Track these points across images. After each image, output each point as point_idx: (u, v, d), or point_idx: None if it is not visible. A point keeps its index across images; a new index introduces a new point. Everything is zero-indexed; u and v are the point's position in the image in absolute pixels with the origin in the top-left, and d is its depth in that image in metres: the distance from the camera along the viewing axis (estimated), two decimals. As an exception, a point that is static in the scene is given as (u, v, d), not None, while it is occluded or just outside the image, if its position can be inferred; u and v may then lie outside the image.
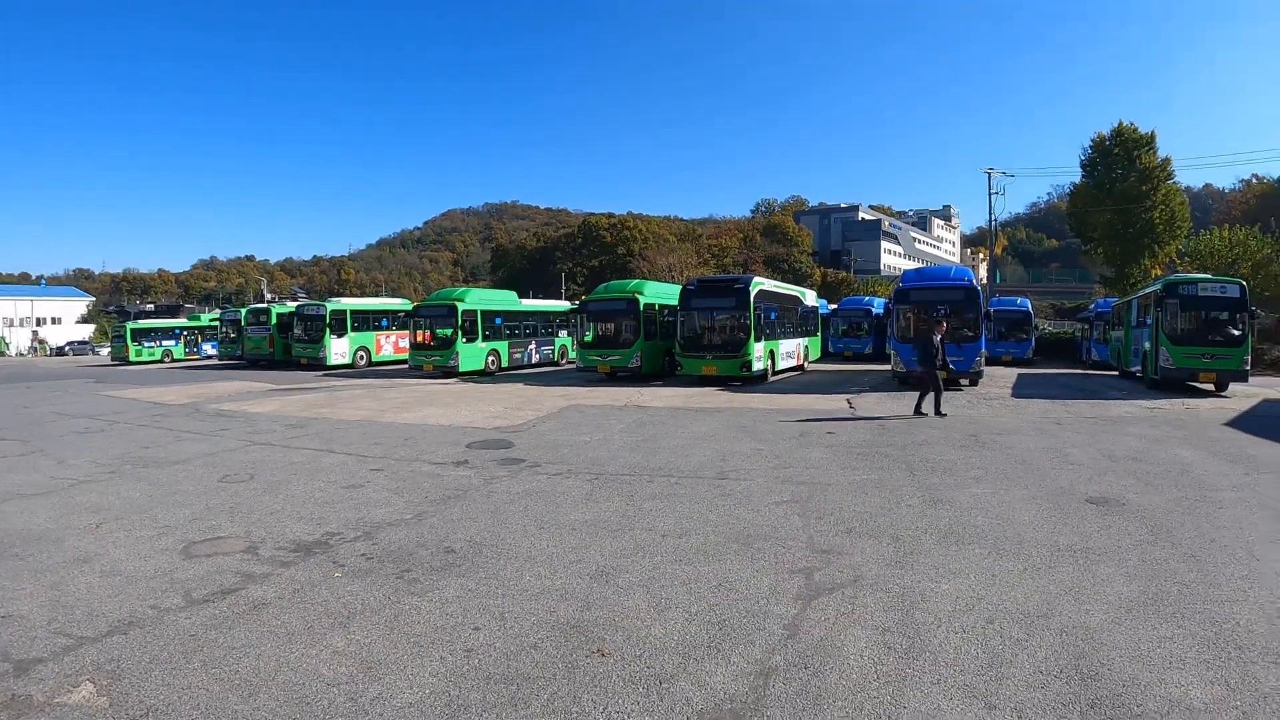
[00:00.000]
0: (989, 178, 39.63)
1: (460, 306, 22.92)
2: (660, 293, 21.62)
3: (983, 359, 16.03)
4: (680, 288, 19.99)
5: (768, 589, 4.58)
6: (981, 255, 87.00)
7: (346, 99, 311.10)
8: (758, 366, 17.92)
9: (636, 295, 20.03)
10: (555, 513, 6.53)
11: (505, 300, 26.86)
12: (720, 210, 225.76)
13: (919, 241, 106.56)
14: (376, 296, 61.58)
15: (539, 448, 9.79)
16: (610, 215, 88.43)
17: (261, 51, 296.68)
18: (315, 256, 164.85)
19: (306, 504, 7.35)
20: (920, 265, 63.31)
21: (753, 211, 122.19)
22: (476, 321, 23.43)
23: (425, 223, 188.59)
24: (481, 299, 24.89)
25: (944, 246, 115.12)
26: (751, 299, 17.51)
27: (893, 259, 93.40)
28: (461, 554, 5.46)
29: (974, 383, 16.32)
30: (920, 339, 12.97)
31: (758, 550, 5.33)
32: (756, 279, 18.79)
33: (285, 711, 3.39)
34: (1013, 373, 22.18)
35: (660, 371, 20.43)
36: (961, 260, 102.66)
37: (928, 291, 16.39)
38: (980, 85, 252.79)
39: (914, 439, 10.09)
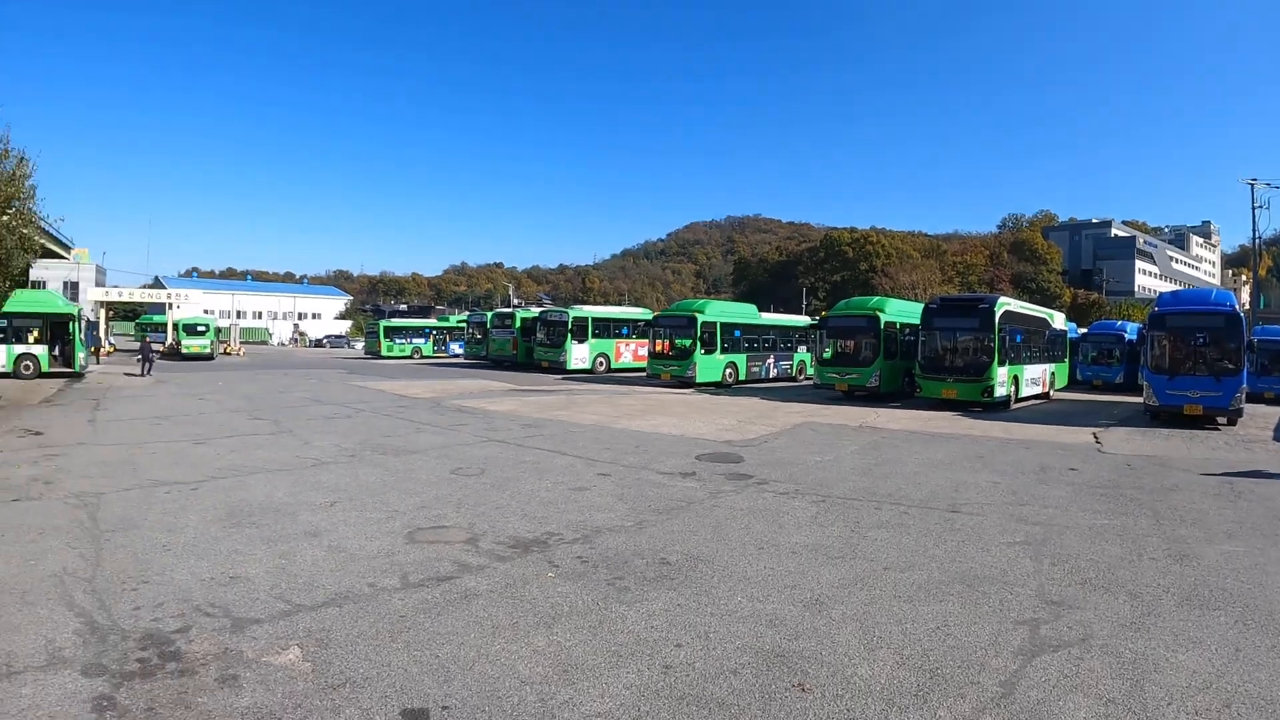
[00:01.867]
0: (1252, 190, 50.07)
1: (700, 318, 30.88)
2: (902, 311, 28.28)
3: (1243, 395, 20.10)
4: (922, 306, 26.22)
5: (988, 639, 5.63)
6: (1244, 277, 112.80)
7: (591, 108, 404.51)
8: (1000, 392, 23.18)
9: (877, 313, 26.62)
10: (777, 533, 8.34)
11: (745, 313, 35.51)
12: (965, 225, 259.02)
13: (1175, 261, 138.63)
14: (619, 305, 77.97)
15: (768, 464, 12.60)
16: (853, 230, 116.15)
17: (512, 53, 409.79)
18: (561, 265, 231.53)
19: (531, 502, 9.88)
20: (1177, 287, 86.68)
21: (999, 227, 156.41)
22: (715, 333, 31.40)
23: (668, 234, 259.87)
24: (721, 311, 33.17)
25: (1203, 267, 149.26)
26: (996, 320, 22.94)
27: (1147, 279, 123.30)
28: (676, 566, 7.11)
29: (1232, 422, 20.61)
30: None
31: (982, 594, 6.61)
32: (1002, 299, 24.61)
33: (475, 702, 4.62)
34: (1275, 412, 25.98)
35: (898, 392, 26.81)
36: (1222, 283, 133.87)
37: (1185, 317, 21.16)
38: (1242, 89, 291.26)
39: (1163, 483, 12.36)
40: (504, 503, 9.94)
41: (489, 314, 49.97)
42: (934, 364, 24.35)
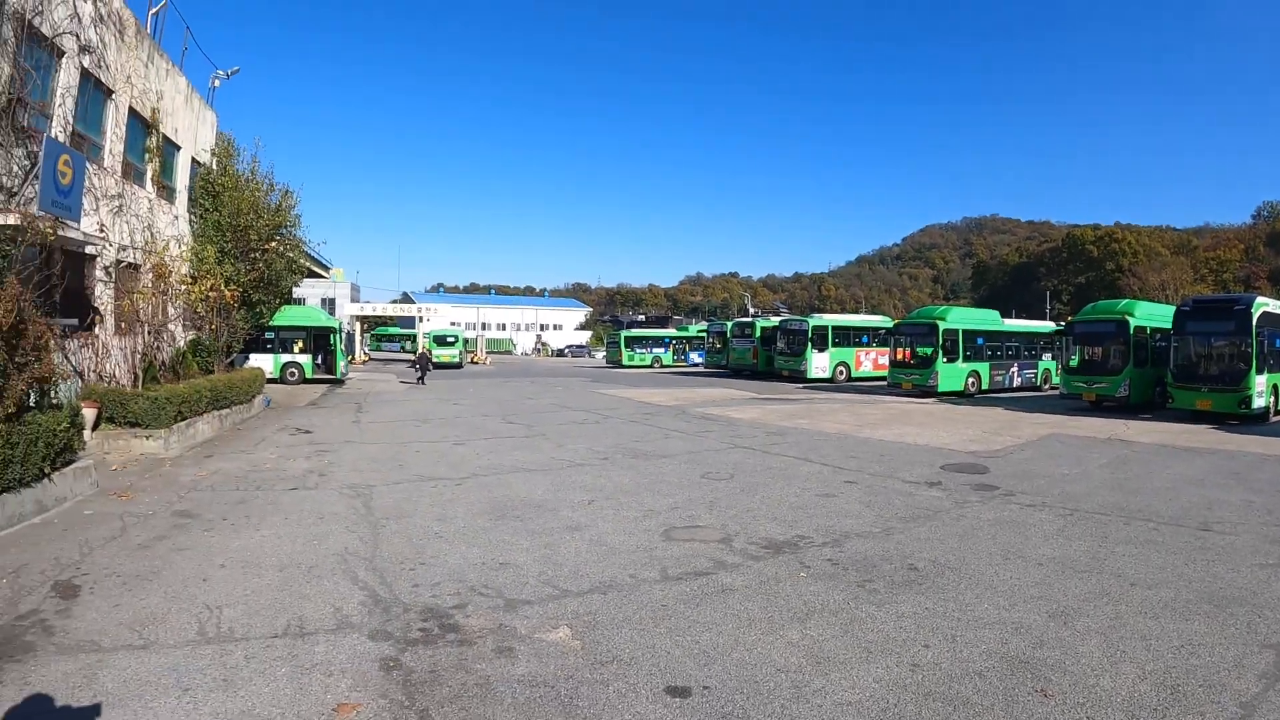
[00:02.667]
0: None
1: (941, 325, 31.08)
2: (1152, 314, 27.30)
3: None
4: (1174, 309, 25.31)
5: (1232, 660, 5.63)
6: None
7: (819, 109, 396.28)
8: (1257, 403, 22.03)
9: (1126, 317, 25.83)
10: (1023, 544, 8.65)
11: (987, 320, 35.40)
12: (1216, 217, 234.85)
13: None
14: (855, 313, 78.00)
15: (1014, 476, 12.95)
16: (1096, 227, 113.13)
17: (742, 60, 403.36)
18: (796, 273, 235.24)
19: (781, 507, 10.46)
20: None
21: (1253, 217, 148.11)
22: (957, 341, 31.54)
23: (904, 239, 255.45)
24: (963, 318, 33.38)
25: None
26: (1253, 323, 21.99)
27: None
28: (924, 573, 7.51)
29: None
30: None
31: (1230, 615, 6.58)
32: (1259, 299, 23.46)
33: (733, 685, 5.07)
34: None
35: (1149, 402, 25.80)
36: None
37: None
38: None
39: None
40: (754, 506, 10.51)
41: (729, 323, 51.59)
42: (1187, 372, 23.43)
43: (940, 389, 30.78)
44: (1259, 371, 21.98)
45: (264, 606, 6.45)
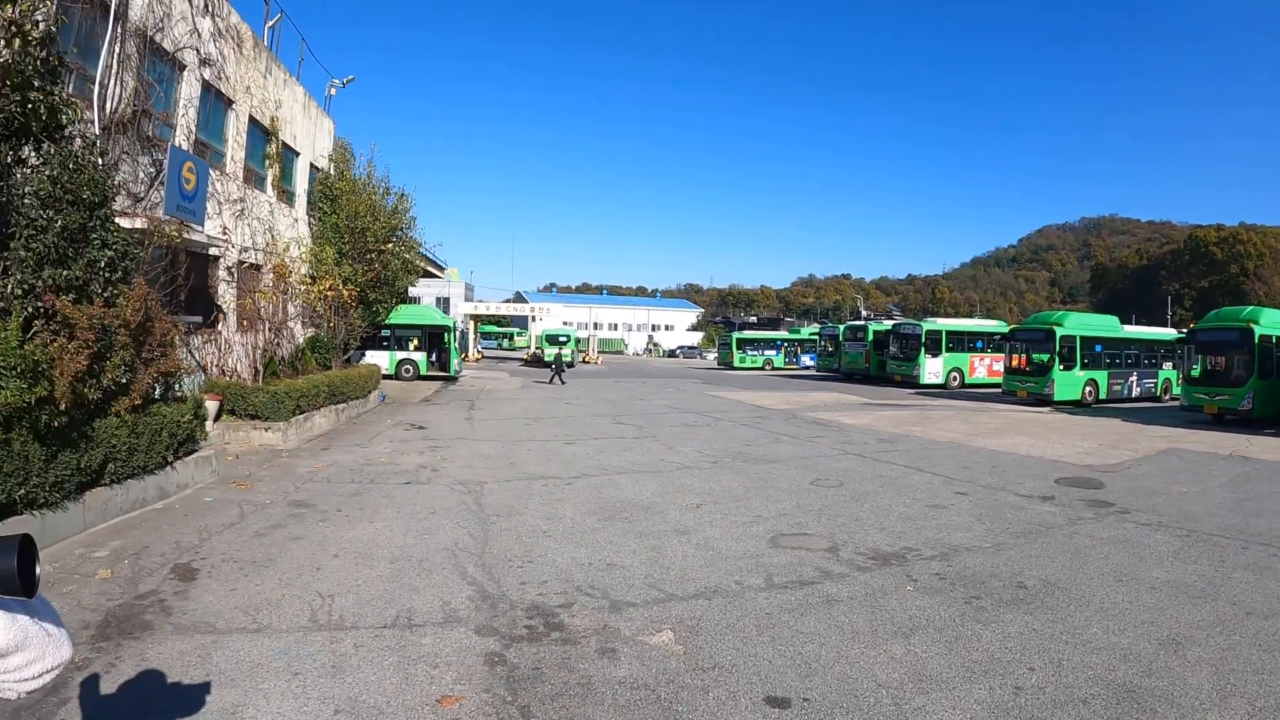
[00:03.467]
0: None
1: (1058, 331, 30.51)
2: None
3: None
4: None
5: None
6: None
7: (932, 114, 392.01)
8: None
9: (1251, 325, 24.92)
10: (1136, 566, 8.43)
11: (1106, 326, 34.62)
12: None
13: None
14: (969, 317, 76.55)
15: (1130, 493, 12.59)
16: (1219, 228, 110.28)
17: (851, 62, 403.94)
18: (909, 275, 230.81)
19: (890, 517, 10.37)
20: None
21: None
22: (1075, 348, 30.80)
23: (1020, 240, 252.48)
24: (1081, 323, 32.78)
25: None
26: None
27: None
28: (1033, 591, 7.39)
29: None
30: None
31: None
32: None
33: (833, 698, 5.05)
34: None
35: (1275, 416, 24.53)
36: None
37: None
38: None
39: None
40: (863, 515, 10.46)
41: (841, 326, 51.48)
42: None
43: (1056, 398, 30.21)
44: None
45: (374, 597, 6.68)
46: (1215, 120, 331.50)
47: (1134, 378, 34.24)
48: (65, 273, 8.89)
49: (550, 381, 36.54)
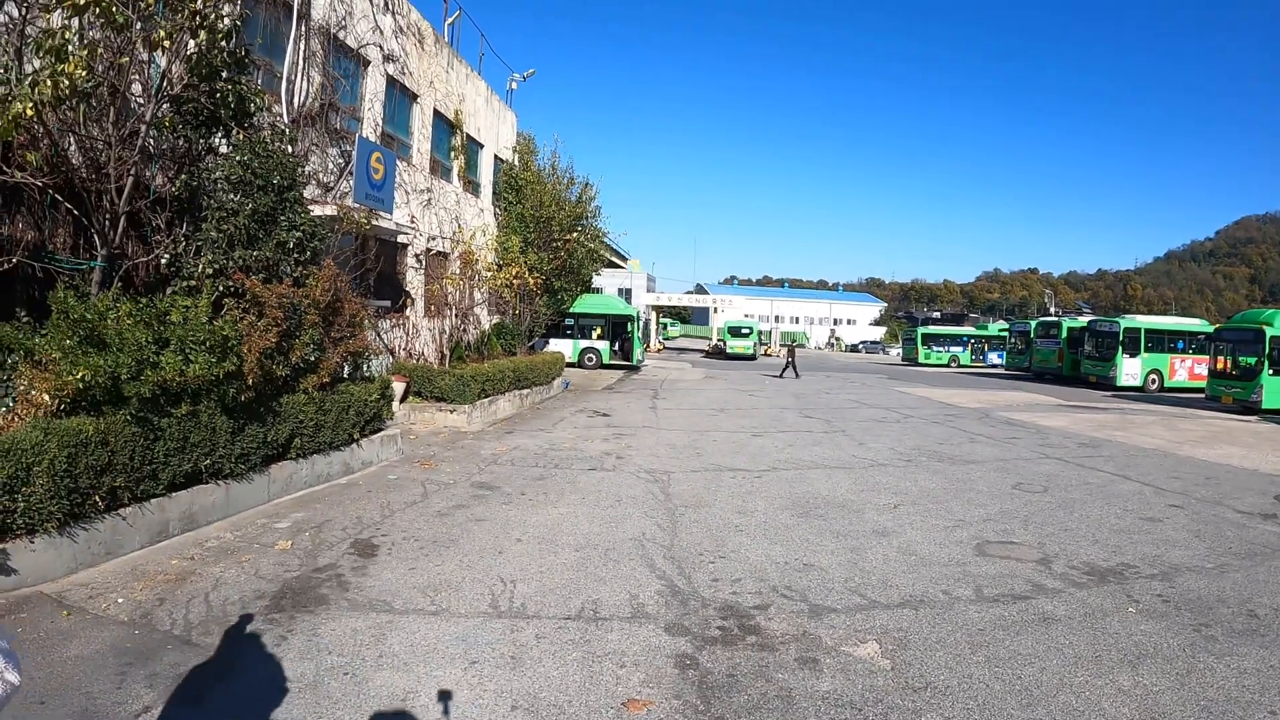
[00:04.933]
0: None
1: (1269, 331, 27.60)
2: None
3: None
4: None
5: None
6: None
7: (1123, 101, 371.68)
8: None
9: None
10: None
11: None
12: None
13: None
14: (1164, 315, 70.75)
15: None
16: None
17: (1045, 42, 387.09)
18: (1099, 270, 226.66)
19: (1101, 529, 9.62)
20: None
21: None
22: None
23: (1217, 232, 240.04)
24: None
25: None
26: None
27: None
28: (1265, 621, 6.72)
29: None
30: None
31: None
32: None
33: None
34: None
35: None
36: None
37: None
38: None
39: None
40: (1072, 525, 9.73)
41: (1032, 323, 48.76)
42: None
43: (1265, 405, 27.18)
44: None
45: (558, 585, 6.41)
46: None
47: None
48: (255, 253, 9.20)
49: (781, 375, 36.24)
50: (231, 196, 9.09)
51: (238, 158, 9.24)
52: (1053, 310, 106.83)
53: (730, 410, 20.84)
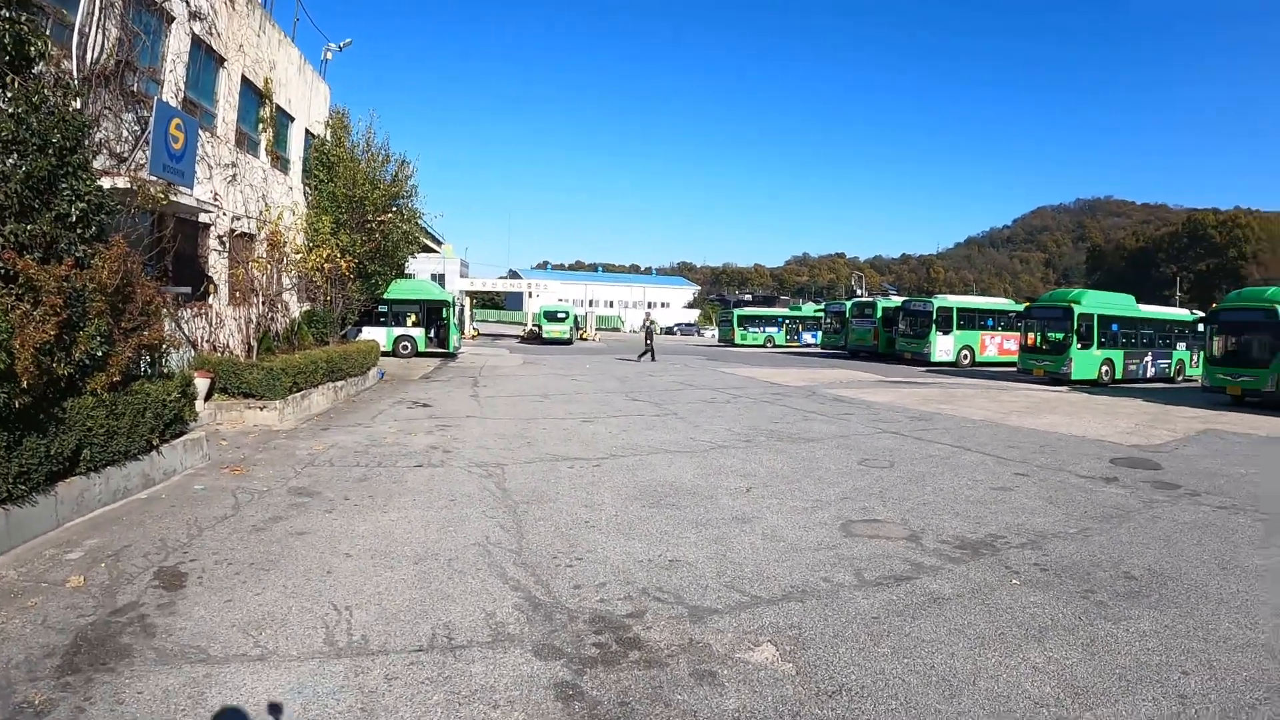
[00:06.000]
0: None
1: (1077, 309, 30.09)
2: None
3: None
4: None
5: None
6: None
7: (926, 91, 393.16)
8: None
9: (1276, 306, 24.77)
10: (1233, 552, 8.04)
11: (1123, 305, 34.32)
12: None
13: None
14: (965, 295, 78.79)
15: (1191, 475, 12.32)
16: (1217, 211, 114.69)
17: (843, 47, 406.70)
18: (903, 254, 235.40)
19: (958, 500, 9.65)
20: None
21: None
22: (1092, 326, 30.52)
23: (1015, 220, 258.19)
24: (1098, 302, 32.23)
25: None
26: None
27: None
28: (1143, 583, 6.92)
29: None
30: None
31: None
32: None
33: None
34: None
35: None
36: None
37: None
38: None
39: None
40: (928, 499, 9.72)
41: (848, 303, 50.77)
42: None
43: (1073, 377, 30.09)
44: None
45: (402, 609, 5.50)
46: (1209, 104, 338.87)
47: (1149, 358, 34.40)
48: (30, 227, 7.56)
49: (639, 359, 36.04)
50: (2, 158, 7.45)
51: (9, 110, 7.58)
52: (860, 292, 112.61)
53: (555, 396, 20.16)
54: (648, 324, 43.45)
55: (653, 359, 36.03)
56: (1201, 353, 35.13)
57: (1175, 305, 72.06)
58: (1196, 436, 16.62)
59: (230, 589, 5.78)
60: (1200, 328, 32.06)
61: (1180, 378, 35.64)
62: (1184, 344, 36.25)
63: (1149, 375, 34.23)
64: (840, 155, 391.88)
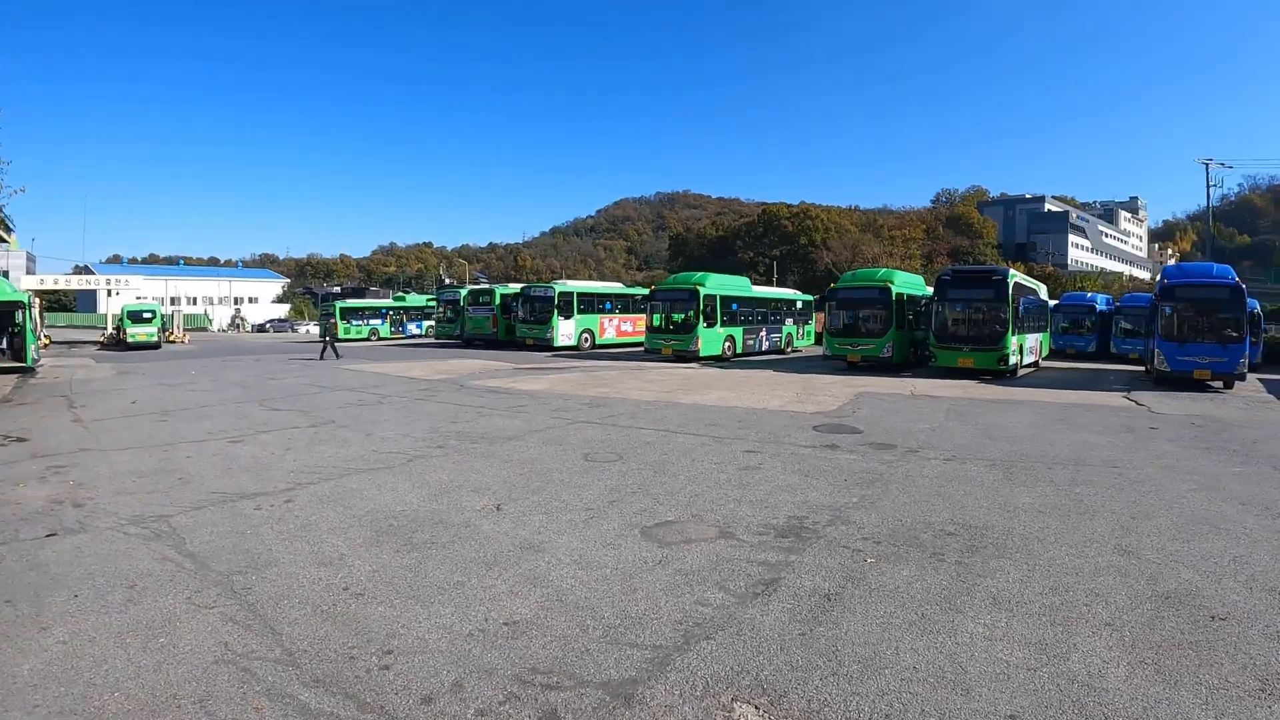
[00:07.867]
0: (1206, 170, 63.45)
1: (702, 291, 32.25)
2: (908, 282, 30.89)
3: (1246, 361, 22.83)
4: (922, 278, 28.88)
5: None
6: (1170, 250, 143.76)
7: (512, 88, 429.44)
8: (1013, 360, 25.49)
9: (889, 284, 28.58)
10: (1006, 496, 8.90)
11: (740, 286, 37.62)
12: (896, 200, 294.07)
13: (1106, 235, 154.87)
14: (553, 281, 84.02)
15: (890, 433, 13.32)
16: (789, 205, 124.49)
17: (431, 41, 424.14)
18: (491, 243, 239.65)
19: (722, 486, 9.30)
20: (1108, 261, 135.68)
21: (932, 202, 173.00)
22: (716, 306, 32.98)
23: (598, 211, 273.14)
24: (720, 284, 34.71)
25: (1130, 241, 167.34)
26: (1010, 291, 25.03)
27: (1080, 253, 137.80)
28: (967, 537, 7.23)
29: (1229, 385, 23.14)
30: None
31: (1225, 530, 7.59)
32: (1012, 270, 27.07)
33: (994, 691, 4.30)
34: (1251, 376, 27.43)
35: (907, 362, 28.94)
36: (1149, 256, 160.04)
37: (1194, 289, 23.98)
38: (1156, 69, 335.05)
39: (1241, 437, 13.73)
40: (694, 489, 9.19)
41: (463, 291, 49.53)
42: (949, 334, 26.38)
43: (702, 354, 32.08)
44: (1014, 333, 25.18)
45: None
46: (773, 107, 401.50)
47: (763, 333, 37.60)
48: None
49: (322, 357, 34.07)
50: None
51: None
52: (447, 280, 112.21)
53: (177, 411, 16.43)
54: (326, 323, 43.14)
55: (337, 355, 35.21)
56: (808, 327, 42.16)
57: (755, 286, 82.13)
58: (858, 400, 18.18)
59: None
60: (800, 306, 41.17)
61: (790, 349, 39.45)
62: (791, 320, 40.30)
63: (764, 349, 37.33)
64: (425, 145, 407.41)
